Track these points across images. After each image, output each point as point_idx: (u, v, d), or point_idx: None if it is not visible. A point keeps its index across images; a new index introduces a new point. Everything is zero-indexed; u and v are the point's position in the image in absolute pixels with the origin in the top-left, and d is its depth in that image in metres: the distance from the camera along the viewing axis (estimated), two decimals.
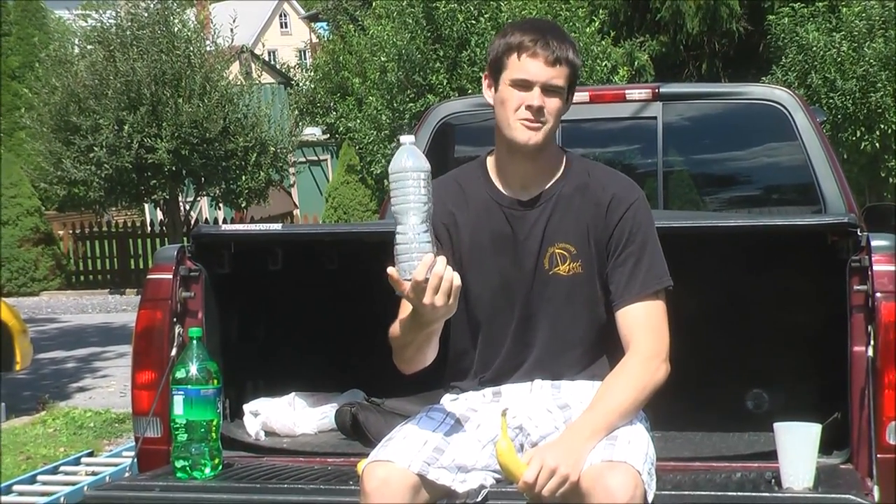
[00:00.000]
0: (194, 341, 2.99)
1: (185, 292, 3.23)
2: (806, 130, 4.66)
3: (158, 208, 19.70)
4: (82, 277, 20.77)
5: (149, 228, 21.21)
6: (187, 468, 2.96)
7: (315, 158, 29.80)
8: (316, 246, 3.81)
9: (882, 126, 14.71)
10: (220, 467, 3.01)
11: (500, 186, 2.79)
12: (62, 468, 5.86)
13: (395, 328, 2.65)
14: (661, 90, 4.88)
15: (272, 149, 18.22)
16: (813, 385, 3.34)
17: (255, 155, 17.85)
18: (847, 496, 2.63)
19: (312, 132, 27.07)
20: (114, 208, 21.71)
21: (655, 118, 4.86)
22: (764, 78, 15.37)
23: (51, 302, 18.41)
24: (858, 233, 2.97)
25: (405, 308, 2.60)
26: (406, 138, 2.46)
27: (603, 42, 15.93)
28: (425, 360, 2.67)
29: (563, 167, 2.80)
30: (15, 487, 5.46)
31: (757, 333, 3.50)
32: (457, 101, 5.19)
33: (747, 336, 3.50)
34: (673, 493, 2.70)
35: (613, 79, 15.64)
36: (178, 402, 2.96)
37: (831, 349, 3.05)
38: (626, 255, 2.71)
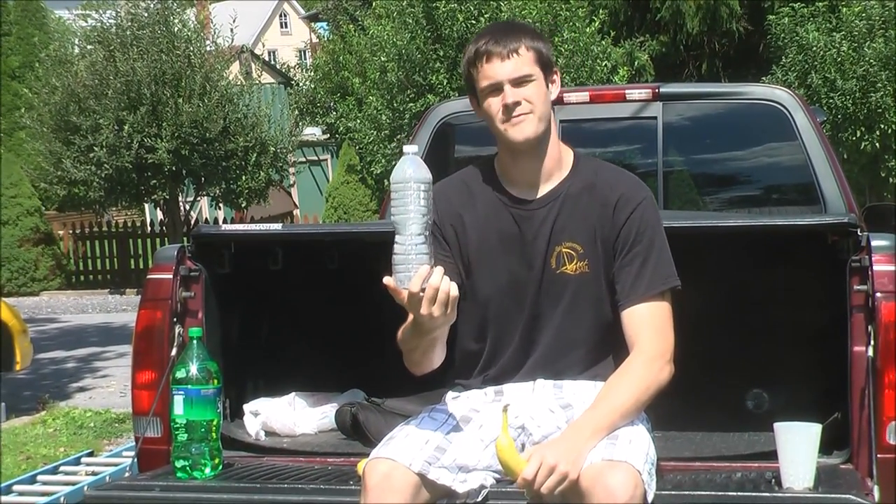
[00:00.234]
0: (194, 341, 2.99)
1: (185, 292, 3.23)
2: (806, 130, 4.66)
3: (158, 208, 19.70)
4: (82, 277, 20.77)
5: (149, 228, 21.21)
6: (187, 468, 2.96)
7: (315, 158, 29.80)
8: (316, 246, 3.81)
9: (882, 126, 14.71)
10: (220, 467, 3.01)
11: (507, 186, 2.80)
12: (62, 468, 5.86)
13: (401, 333, 2.66)
14: (661, 90, 4.88)
15: (272, 149, 18.22)
16: (813, 385, 3.34)
17: (255, 155, 17.85)
18: (847, 496, 2.63)
19: (312, 132, 27.08)
20: (114, 208, 21.72)
21: (655, 118, 4.86)
22: (764, 78, 15.37)
23: (51, 302, 18.41)
24: (858, 233, 2.97)
25: (407, 311, 2.61)
26: (409, 148, 2.47)
27: (603, 42, 15.93)
28: (433, 362, 2.69)
29: (570, 166, 2.80)
30: (15, 487, 5.46)
31: (757, 333, 3.50)
32: (457, 101, 5.18)
33: (747, 336, 3.50)
34: (673, 492, 2.70)
35: (613, 79, 15.64)
36: (178, 401, 2.96)
37: (831, 349, 3.05)
38: (632, 255, 2.72)
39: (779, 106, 4.73)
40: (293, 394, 3.56)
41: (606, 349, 2.77)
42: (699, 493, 2.73)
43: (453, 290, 2.45)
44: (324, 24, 30.30)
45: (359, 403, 3.43)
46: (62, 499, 5.18)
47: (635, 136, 5.14)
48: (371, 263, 3.75)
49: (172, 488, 2.91)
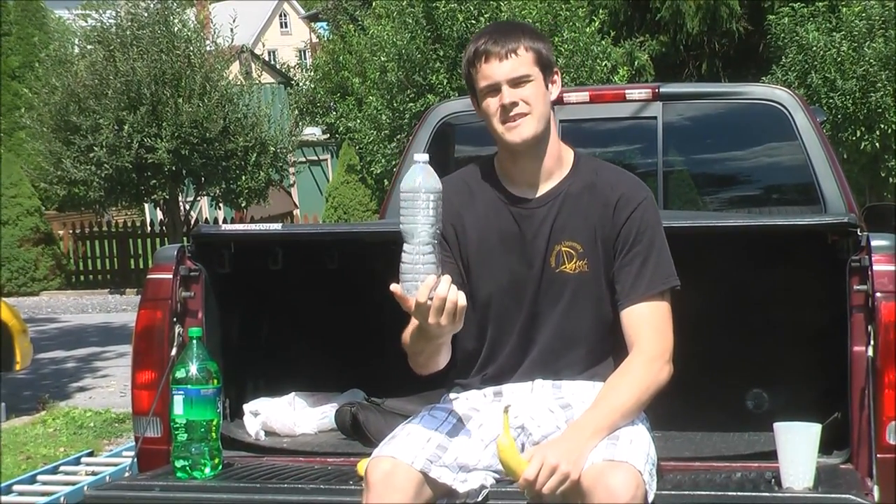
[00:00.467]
0: (194, 341, 2.99)
1: (185, 292, 3.23)
2: (806, 130, 4.66)
3: (158, 208, 19.69)
4: (82, 277, 20.77)
5: (149, 228, 21.21)
6: (187, 468, 2.96)
7: (315, 158, 29.80)
8: (316, 246, 3.81)
9: (882, 126, 14.71)
10: (220, 467, 3.01)
11: (507, 185, 2.80)
12: (62, 468, 5.86)
13: (406, 336, 2.66)
14: (661, 90, 4.88)
15: (272, 149, 18.22)
16: (813, 385, 3.34)
17: (255, 155, 17.85)
18: (847, 496, 2.63)
19: (312, 132, 27.07)
20: (114, 208, 21.72)
21: (655, 118, 4.86)
22: (764, 78, 15.38)
23: (51, 302, 18.41)
24: (858, 233, 2.97)
25: (414, 318, 2.61)
26: (420, 156, 2.46)
27: (603, 42, 15.94)
28: (439, 364, 2.69)
29: (570, 166, 2.81)
30: (15, 487, 5.46)
31: (756, 333, 3.50)
32: (457, 101, 5.18)
33: (747, 336, 3.50)
34: (673, 492, 2.70)
35: (613, 79, 15.64)
36: (178, 401, 2.96)
37: (831, 349, 3.05)
38: (633, 255, 2.72)
39: (779, 106, 4.73)
40: (293, 394, 3.56)
41: (605, 349, 2.77)
42: (699, 493, 2.73)
43: (461, 299, 2.46)
44: (324, 24, 30.32)
45: (359, 403, 3.43)
46: (62, 499, 5.18)
47: (635, 136, 5.13)
48: (371, 263, 3.76)
49: (172, 488, 2.91)
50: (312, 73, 25.97)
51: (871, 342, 2.85)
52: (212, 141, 17.24)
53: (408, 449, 2.56)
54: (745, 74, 17.18)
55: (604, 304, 2.75)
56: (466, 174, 2.87)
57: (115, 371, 9.84)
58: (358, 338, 3.71)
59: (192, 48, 17.47)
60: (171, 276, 3.21)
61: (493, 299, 2.78)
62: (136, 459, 3.21)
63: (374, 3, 18.31)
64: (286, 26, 52.40)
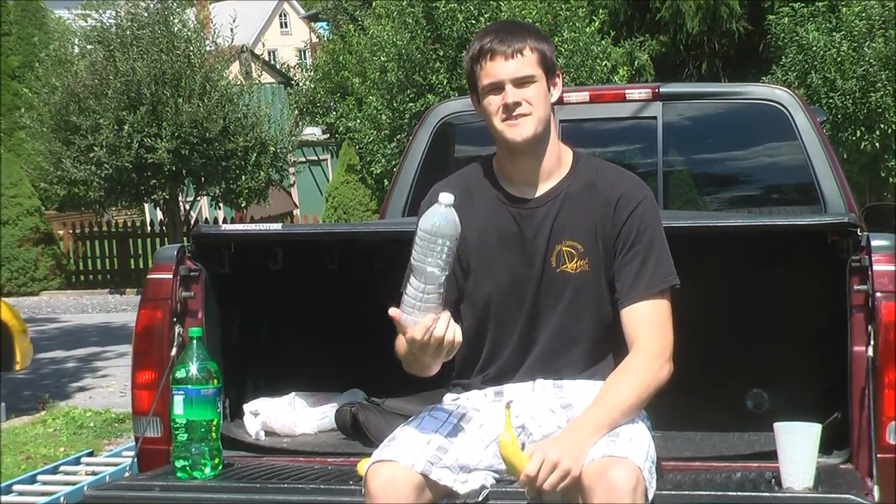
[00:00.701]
0: (194, 341, 2.99)
1: (185, 292, 3.23)
2: (806, 130, 4.66)
3: (158, 208, 19.69)
4: (82, 277, 20.77)
5: (149, 228, 21.21)
6: (187, 468, 2.96)
7: (315, 158, 29.80)
8: (316, 246, 3.81)
9: (882, 126, 14.71)
10: (220, 467, 3.01)
11: (506, 185, 2.80)
12: (62, 468, 5.86)
13: (399, 345, 2.66)
14: (661, 90, 4.88)
15: (272, 149, 18.22)
16: (813, 385, 3.34)
17: (255, 155, 17.85)
18: (847, 496, 2.63)
19: (312, 132, 27.07)
20: (114, 208, 21.72)
21: (655, 118, 4.86)
22: (764, 78, 15.37)
23: (51, 302, 18.41)
24: (858, 232, 2.97)
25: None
26: (445, 198, 2.47)
27: (603, 42, 15.94)
28: (432, 371, 2.69)
29: (570, 166, 2.81)
30: (15, 487, 5.46)
31: (756, 333, 3.50)
32: (457, 101, 5.18)
33: (747, 336, 3.50)
34: (673, 492, 2.71)
35: (613, 79, 15.64)
36: (178, 401, 2.96)
37: (831, 349, 3.05)
38: (633, 254, 2.72)
39: (779, 106, 4.73)
40: (293, 394, 3.56)
41: (606, 348, 2.78)
42: (699, 492, 2.73)
43: (457, 336, 2.51)
44: (324, 23, 30.31)
45: (359, 403, 3.43)
46: (62, 499, 5.18)
47: (635, 136, 5.13)
48: (371, 263, 3.77)
49: (172, 488, 2.91)
50: (312, 73, 25.95)
51: (871, 342, 2.85)
52: (212, 141, 17.24)
53: (408, 451, 2.55)
54: (745, 74, 17.17)
55: (604, 304, 2.76)
56: (465, 175, 2.88)
57: (115, 371, 9.84)
58: (358, 338, 3.71)
59: (192, 48, 17.47)
60: (171, 276, 3.21)
61: (493, 299, 2.78)
62: (136, 459, 3.21)
63: (374, 3, 18.31)
64: (286, 26, 52.40)
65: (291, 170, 20.63)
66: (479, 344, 2.82)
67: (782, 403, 3.41)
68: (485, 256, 2.78)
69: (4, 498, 5.30)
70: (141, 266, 19.63)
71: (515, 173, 2.79)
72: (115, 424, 7.30)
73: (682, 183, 5.27)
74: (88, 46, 17.91)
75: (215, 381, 2.99)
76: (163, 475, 3.00)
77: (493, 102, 2.72)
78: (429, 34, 15.46)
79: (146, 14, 17.59)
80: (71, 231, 21.20)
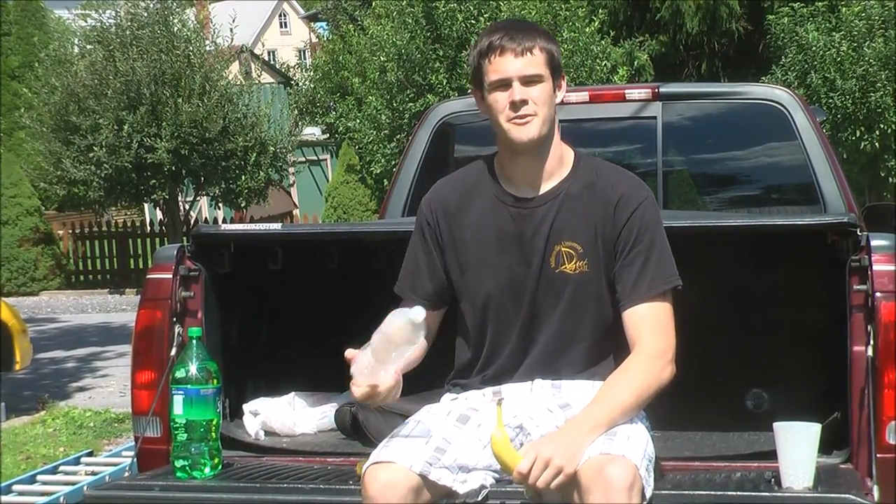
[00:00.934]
0: (194, 341, 2.99)
1: (184, 292, 3.23)
2: (806, 130, 4.66)
3: (158, 208, 19.70)
4: (82, 277, 20.76)
5: (148, 228, 21.21)
6: (187, 468, 2.96)
7: (315, 158, 29.79)
8: (316, 246, 3.81)
9: (882, 126, 14.72)
10: (220, 467, 3.01)
11: (506, 185, 2.80)
12: (62, 468, 5.86)
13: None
14: (660, 90, 4.88)
15: (272, 148, 18.22)
16: (813, 385, 3.34)
17: (254, 155, 17.85)
18: (847, 496, 2.63)
19: (312, 132, 27.06)
20: (113, 208, 21.72)
21: (655, 118, 4.85)
22: (764, 78, 15.37)
23: (51, 302, 18.41)
24: (858, 232, 2.97)
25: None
26: (417, 316, 2.55)
27: (603, 42, 15.94)
28: (412, 366, 2.72)
29: (571, 166, 2.80)
30: (15, 487, 5.46)
31: (756, 333, 3.50)
32: (457, 101, 5.18)
33: (747, 335, 3.50)
34: (673, 492, 2.70)
35: (613, 79, 15.64)
36: (177, 401, 2.96)
37: (831, 349, 3.04)
38: (634, 255, 2.71)
39: (779, 106, 4.73)
40: (293, 394, 3.56)
41: (606, 348, 2.77)
42: (699, 492, 2.73)
43: (396, 392, 2.60)
44: (323, 23, 30.31)
45: (358, 403, 3.42)
46: (62, 499, 5.18)
47: (635, 136, 5.13)
48: (371, 263, 3.77)
49: (172, 488, 2.91)
50: (312, 73, 25.94)
51: (871, 342, 2.85)
52: (211, 141, 17.24)
53: (406, 452, 2.55)
54: (744, 74, 17.17)
55: (604, 304, 2.75)
56: (466, 173, 2.87)
57: (115, 371, 9.84)
58: (358, 337, 3.70)
59: (191, 48, 17.47)
60: (170, 276, 3.21)
61: (491, 299, 2.78)
62: (135, 459, 3.21)
63: (373, 3, 18.31)
64: (286, 26, 52.39)
65: (291, 170, 20.63)
66: (478, 343, 2.82)
67: (782, 403, 3.41)
68: (483, 255, 2.78)
69: (4, 498, 5.30)
70: (141, 266, 19.63)
71: (516, 173, 2.79)
72: (114, 424, 7.30)
73: (682, 183, 5.27)
74: (88, 46, 17.91)
75: (215, 380, 2.99)
76: (162, 475, 3.00)
77: (500, 99, 2.71)
78: (428, 34, 15.46)
79: (146, 14, 17.59)
80: (71, 231, 21.19)
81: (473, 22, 15.12)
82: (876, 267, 2.89)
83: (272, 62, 36.75)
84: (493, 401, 2.76)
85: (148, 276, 3.28)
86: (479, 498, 2.63)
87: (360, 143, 17.37)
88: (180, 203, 19.48)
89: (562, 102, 2.88)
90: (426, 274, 2.83)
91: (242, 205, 18.80)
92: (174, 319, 3.19)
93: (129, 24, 17.51)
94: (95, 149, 16.80)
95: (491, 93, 2.72)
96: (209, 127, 17.02)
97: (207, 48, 18.00)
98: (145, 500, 2.91)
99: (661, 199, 4.81)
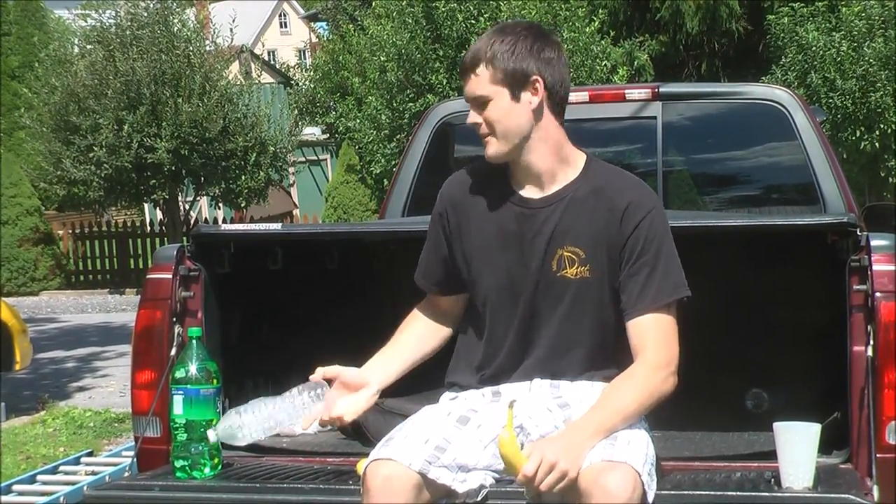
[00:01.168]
0: (194, 341, 2.99)
1: (184, 292, 3.22)
2: (806, 130, 4.66)
3: (158, 208, 19.70)
4: (82, 277, 20.77)
5: (148, 228, 21.22)
6: (187, 468, 2.96)
7: (315, 158, 29.80)
8: (316, 246, 3.81)
9: (882, 126, 14.72)
10: (220, 467, 3.01)
11: (514, 184, 2.79)
12: (62, 468, 5.86)
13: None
14: (660, 90, 4.88)
15: (272, 148, 18.22)
16: (813, 385, 3.34)
17: (254, 155, 17.85)
18: (847, 496, 2.63)
19: (312, 132, 27.07)
20: (113, 208, 21.73)
21: (655, 118, 4.85)
22: (764, 78, 15.37)
23: (51, 302, 18.41)
24: (858, 232, 2.97)
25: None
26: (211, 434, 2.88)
27: (603, 42, 15.93)
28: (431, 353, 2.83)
29: (580, 169, 2.78)
30: (15, 487, 5.46)
31: (756, 333, 3.50)
32: (457, 101, 5.18)
33: (746, 335, 3.50)
34: (673, 492, 2.70)
35: (613, 78, 15.64)
36: (177, 401, 2.96)
37: (831, 349, 3.04)
38: (639, 265, 2.69)
39: (779, 106, 4.73)
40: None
41: (606, 352, 2.76)
42: (699, 492, 2.73)
43: (347, 417, 2.76)
44: (323, 23, 30.31)
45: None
46: (62, 498, 5.18)
47: (635, 136, 5.13)
48: (371, 263, 3.77)
49: (172, 488, 2.91)
50: (312, 73, 25.94)
51: (871, 342, 2.85)
52: (211, 141, 17.24)
53: (406, 450, 2.55)
54: (744, 74, 17.17)
55: (605, 309, 2.73)
56: (477, 168, 2.86)
57: (115, 371, 9.84)
58: (358, 337, 3.71)
59: (191, 48, 17.47)
60: (170, 276, 3.21)
61: (489, 297, 2.78)
62: (135, 459, 3.21)
63: (373, 3, 18.31)
64: (286, 26, 52.39)
65: (291, 170, 20.63)
66: (477, 343, 2.81)
67: (782, 403, 3.41)
68: (485, 251, 2.78)
69: (4, 498, 5.30)
70: (141, 266, 19.64)
71: (519, 174, 2.79)
72: (114, 424, 7.31)
73: (682, 183, 5.27)
74: (88, 46, 17.91)
75: (215, 380, 2.99)
76: (162, 475, 3.00)
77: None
78: (428, 34, 15.46)
79: (146, 14, 17.59)
80: (71, 231, 21.20)
81: (473, 22, 15.11)
82: (876, 267, 2.88)
83: (272, 62, 36.75)
84: (493, 401, 2.77)
85: (148, 276, 3.28)
86: (479, 498, 2.63)
87: (360, 143, 17.38)
88: (180, 203, 19.48)
89: None
90: (437, 262, 2.87)
91: (242, 205, 18.80)
92: (174, 319, 3.19)
93: (129, 24, 17.51)
94: (95, 149, 16.81)
95: None
96: (209, 127, 17.03)
97: (207, 48, 18.00)
98: (145, 500, 2.92)
99: (660, 199, 4.80)
